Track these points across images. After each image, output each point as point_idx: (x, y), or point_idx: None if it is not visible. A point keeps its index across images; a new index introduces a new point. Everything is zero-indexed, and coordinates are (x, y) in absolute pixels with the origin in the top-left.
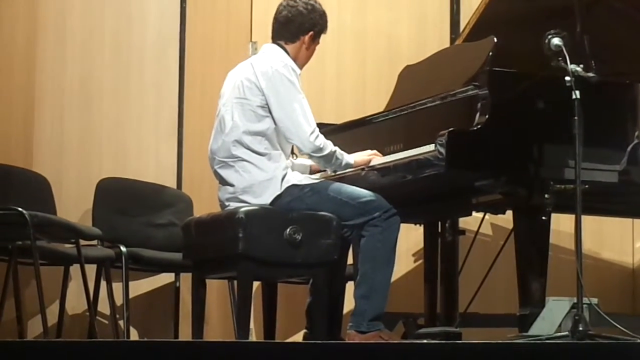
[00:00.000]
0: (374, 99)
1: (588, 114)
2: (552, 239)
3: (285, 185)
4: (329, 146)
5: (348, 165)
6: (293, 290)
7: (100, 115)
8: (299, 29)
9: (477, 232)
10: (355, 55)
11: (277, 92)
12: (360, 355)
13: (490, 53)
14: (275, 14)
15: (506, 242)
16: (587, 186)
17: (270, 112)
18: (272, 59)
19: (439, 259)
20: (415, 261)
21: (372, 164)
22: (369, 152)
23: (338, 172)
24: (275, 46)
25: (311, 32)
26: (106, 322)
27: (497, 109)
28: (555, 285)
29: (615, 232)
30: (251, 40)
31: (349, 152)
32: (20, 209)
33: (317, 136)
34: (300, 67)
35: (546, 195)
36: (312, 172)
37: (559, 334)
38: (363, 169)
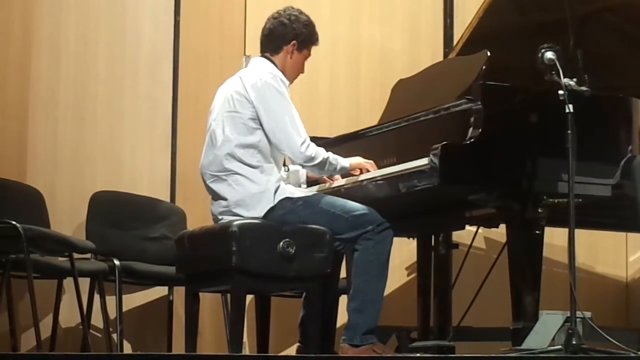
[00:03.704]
0: (367, 113)
1: (581, 127)
2: (546, 253)
3: (279, 197)
4: (321, 154)
5: (344, 169)
6: (286, 304)
7: (94, 129)
8: (281, 39)
9: (470, 246)
10: (349, 69)
11: (266, 103)
12: None
13: (484, 67)
14: (262, 28)
15: (499, 255)
16: (580, 200)
17: (260, 123)
18: (260, 71)
19: (432, 272)
20: (408, 275)
21: (365, 177)
22: (366, 160)
23: (333, 185)
24: (262, 59)
25: (294, 41)
26: (99, 335)
27: (491, 123)
28: (548, 299)
29: (609, 245)
30: (245, 54)
31: None
32: (13, 222)
33: (308, 146)
34: (290, 79)
35: (539, 209)
36: (308, 179)
37: (552, 347)
38: (362, 182)
